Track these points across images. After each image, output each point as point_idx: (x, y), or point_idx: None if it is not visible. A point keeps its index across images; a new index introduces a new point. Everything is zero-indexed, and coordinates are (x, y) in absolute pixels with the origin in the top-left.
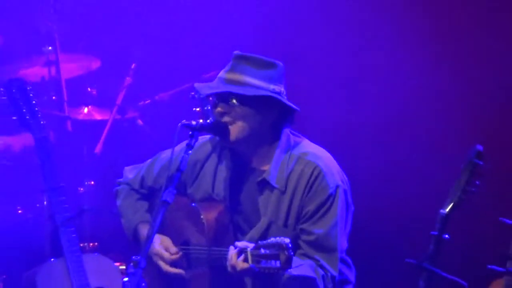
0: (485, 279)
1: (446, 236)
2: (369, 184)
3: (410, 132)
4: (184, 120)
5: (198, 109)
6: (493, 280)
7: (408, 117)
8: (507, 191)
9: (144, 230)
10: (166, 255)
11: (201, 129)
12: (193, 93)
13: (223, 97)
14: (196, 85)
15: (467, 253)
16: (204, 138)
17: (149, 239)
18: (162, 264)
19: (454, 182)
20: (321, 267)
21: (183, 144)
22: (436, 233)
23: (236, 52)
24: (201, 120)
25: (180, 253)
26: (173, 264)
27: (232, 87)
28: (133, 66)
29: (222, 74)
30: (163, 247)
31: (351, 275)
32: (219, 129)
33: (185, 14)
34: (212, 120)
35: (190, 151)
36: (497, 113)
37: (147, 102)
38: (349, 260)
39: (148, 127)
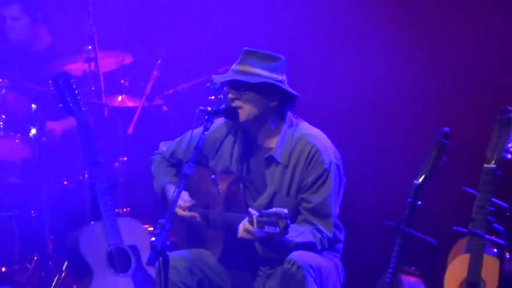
0: (451, 238)
1: (419, 202)
2: (357, 160)
3: (391, 115)
4: (201, 107)
5: (213, 97)
6: (458, 239)
7: (390, 102)
8: (470, 165)
9: (170, 190)
10: (181, 202)
11: (215, 114)
12: (208, 84)
13: (234, 85)
14: (213, 76)
15: (437, 216)
16: (221, 120)
17: (173, 204)
18: (178, 210)
19: (426, 157)
20: (318, 230)
21: (201, 127)
22: (410, 200)
23: (245, 48)
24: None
25: (193, 200)
26: (190, 209)
27: (240, 76)
28: (159, 61)
29: (233, 66)
30: (179, 197)
31: (341, 236)
32: (230, 113)
33: (203, 18)
34: (224, 106)
35: (206, 132)
36: (462, 101)
37: (170, 91)
38: (340, 224)
39: (171, 112)
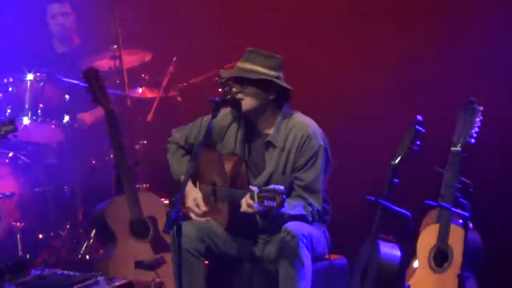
0: (423, 211)
1: (396, 180)
2: (343, 143)
3: (373, 107)
4: (210, 98)
5: (220, 90)
6: (429, 211)
7: (373, 95)
8: (439, 148)
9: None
10: (196, 210)
11: (222, 104)
12: (216, 78)
13: (238, 80)
14: (220, 71)
15: (410, 192)
16: (227, 109)
17: (185, 182)
18: (192, 216)
19: (402, 141)
20: (310, 204)
21: (210, 115)
22: (389, 178)
23: (248, 47)
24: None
25: (206, 209)
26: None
27: (243, 73)
28: (174, 59)
29: (238, 63)
30: (194, 204)
31: (329, 208)
32: (235, 103)
33: (212, 21)
34: (230, 97)
35: (214, 119)
36: (434, 93)
37: (184, 84)
38: (328, 198)
39: (184, 102)
